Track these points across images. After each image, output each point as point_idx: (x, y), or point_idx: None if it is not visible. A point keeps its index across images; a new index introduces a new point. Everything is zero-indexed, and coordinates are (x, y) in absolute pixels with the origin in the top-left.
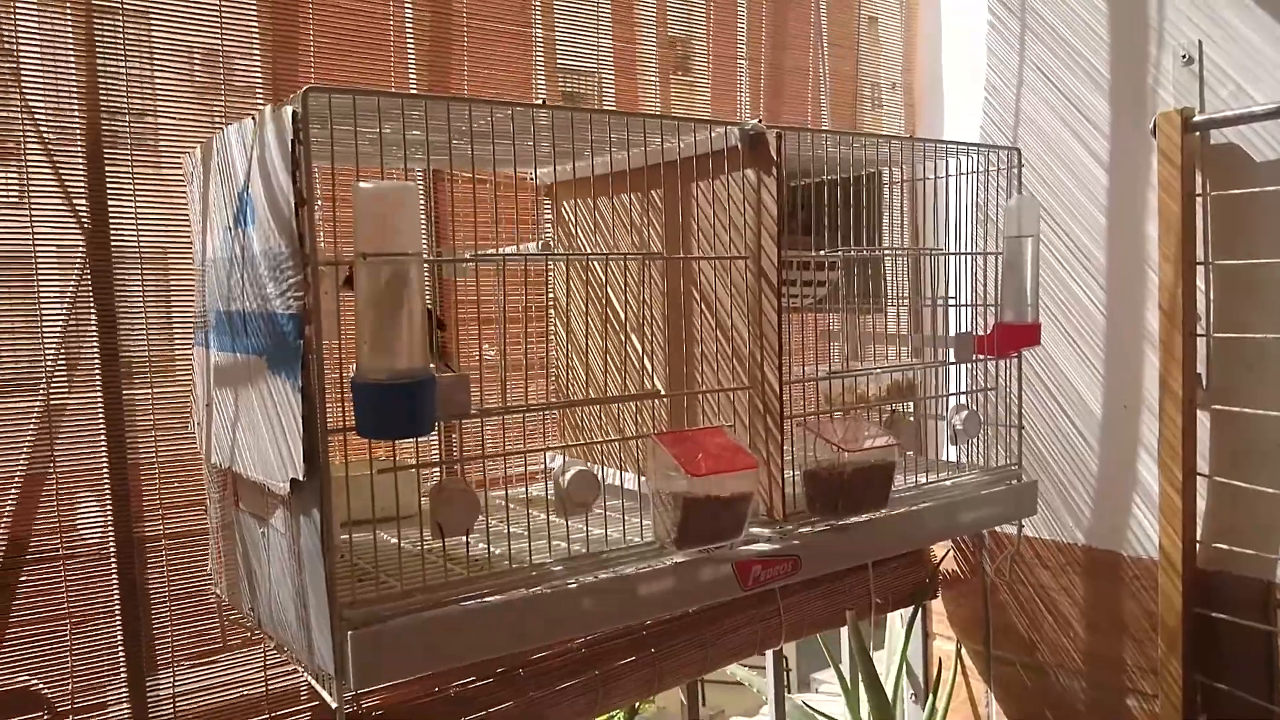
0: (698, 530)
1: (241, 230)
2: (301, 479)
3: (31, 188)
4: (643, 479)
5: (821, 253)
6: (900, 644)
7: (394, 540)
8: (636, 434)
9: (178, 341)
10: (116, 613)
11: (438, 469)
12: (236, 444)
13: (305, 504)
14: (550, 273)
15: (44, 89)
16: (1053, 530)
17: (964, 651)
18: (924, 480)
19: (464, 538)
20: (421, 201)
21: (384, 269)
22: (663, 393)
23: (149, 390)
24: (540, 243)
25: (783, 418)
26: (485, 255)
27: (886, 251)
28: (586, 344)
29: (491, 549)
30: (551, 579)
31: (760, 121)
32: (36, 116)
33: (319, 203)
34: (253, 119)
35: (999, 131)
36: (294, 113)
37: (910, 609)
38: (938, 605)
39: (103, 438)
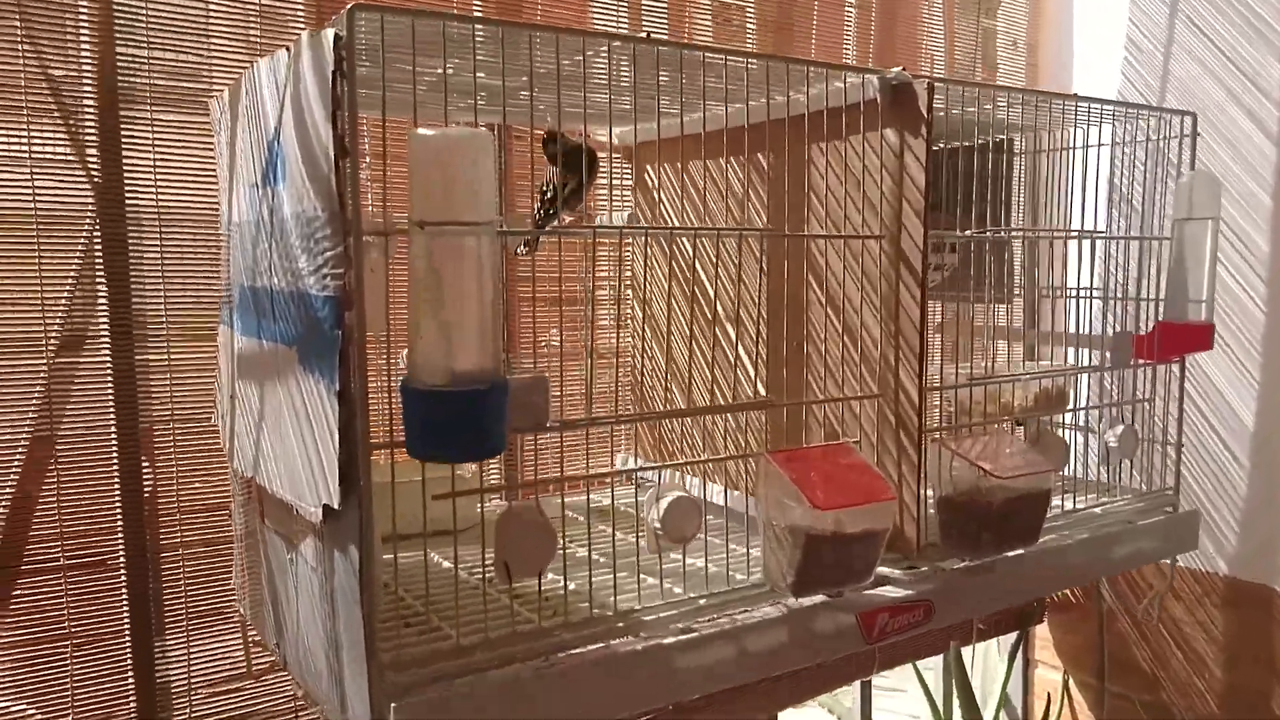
0: (819, 573)
1: (270, 189)
2: (336, 506)
3: (34, 136)
4: (750, 500)
5: (968, 232)
6: (1000, 674)
7: (447, 563)
8: (740, 451)
9: (201, 315)
10: (125, 632)
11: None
12: (261, 451)
13: (341, 537)
14: (629, 249)
15: (49, 19)
16: (1189, 557)
17: (1072, 683)
18: (1071, 505)
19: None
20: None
21: (447, 242)
22: (773, 400)
23: (167, 373)
24: (627, 214)
25: (921, 433)
26: (570, 228)
27: (1043, 233)
28: (668, 338)
29: (566, 583)
30: (643, 630)
31: (904, 70)
32: (42, 53)
33: (365, 158)
34: (287, 50)
35: (1140, 98)
36: (336, 36)
37: (1013, 635)
38: (1041, 630)
39: (112, 427)
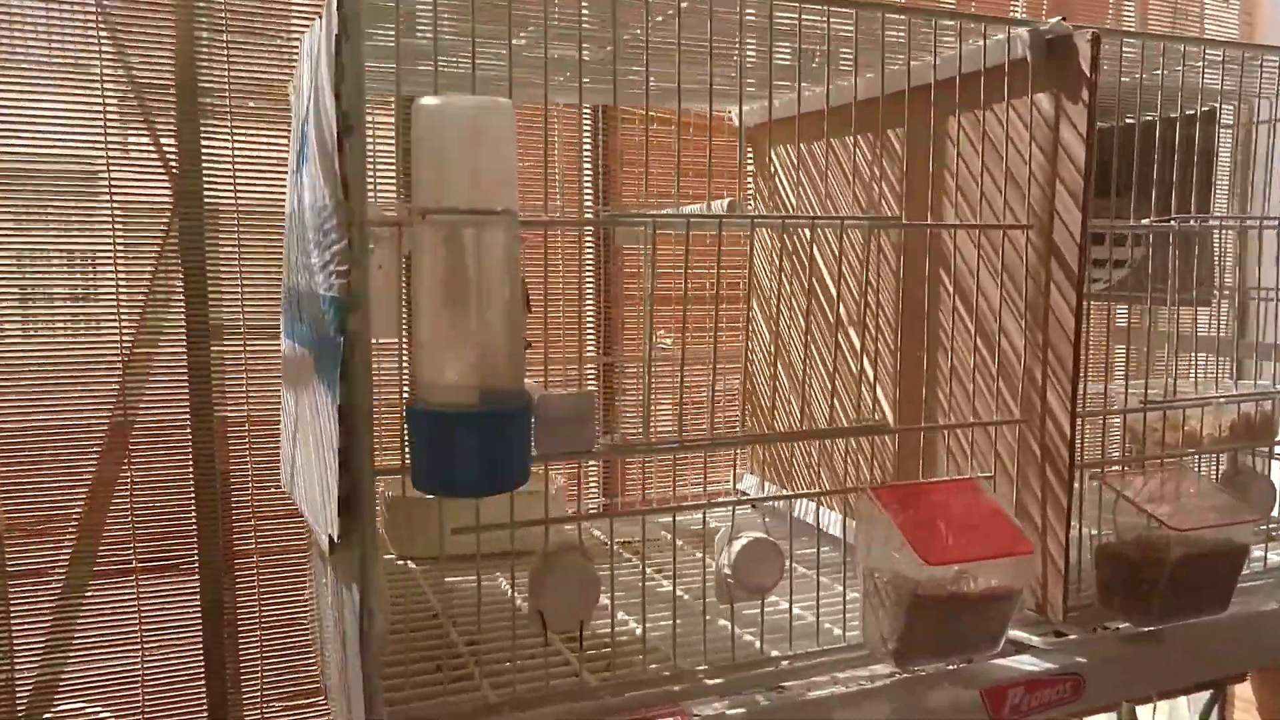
0: (928, 641)
1: (299, 176)
2: (335, 538)
3: (111, 124)
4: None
5: (1145, 221)
6: None
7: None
8: (845, 483)
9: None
10: (198, 638)
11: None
12: (295, 467)
13: (345, 575)
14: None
15: (127, 12)
16: None
17: None
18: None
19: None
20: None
21: (453, 234)
22: (891, 425)
23: (243, 374)
24: (727, 202)
25: (1072, 468)
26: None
27: (1251, 221)
28: (774, 343)
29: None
30: (703, 696)
31: (1063, 20)
32: (121, 46)
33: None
34: (320, 14)
35: None
36: None
37: (1207, 694)
38: (1243, 689)
39: (187, 427)
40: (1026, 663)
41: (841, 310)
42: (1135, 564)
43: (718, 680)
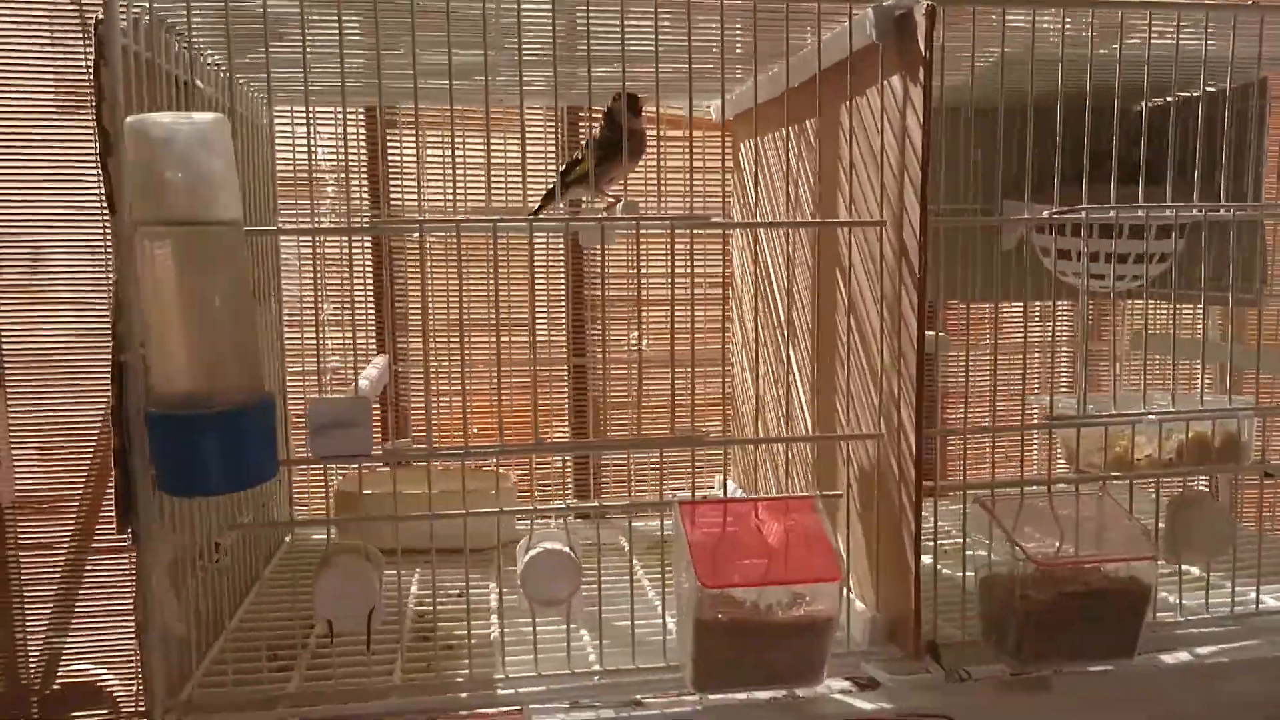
0: (722, 668)
1: None
2: (118, 533)
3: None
4: None
5: (1163, 208)
6: None
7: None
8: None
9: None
10: None
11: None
12: None
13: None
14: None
15: None
16: None
17: None
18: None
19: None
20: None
21: (151, 244)
22: (710, 436)
23: None
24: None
25: (919, 489)
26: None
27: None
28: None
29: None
30: (499, 705)
31: None
32: None
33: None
34: None
35: None
36: (96, 21)
37: None
38: None
39: None
40: (870, 699)
41: (774, 315)
42: (1004, 601)
43: (515, 691)
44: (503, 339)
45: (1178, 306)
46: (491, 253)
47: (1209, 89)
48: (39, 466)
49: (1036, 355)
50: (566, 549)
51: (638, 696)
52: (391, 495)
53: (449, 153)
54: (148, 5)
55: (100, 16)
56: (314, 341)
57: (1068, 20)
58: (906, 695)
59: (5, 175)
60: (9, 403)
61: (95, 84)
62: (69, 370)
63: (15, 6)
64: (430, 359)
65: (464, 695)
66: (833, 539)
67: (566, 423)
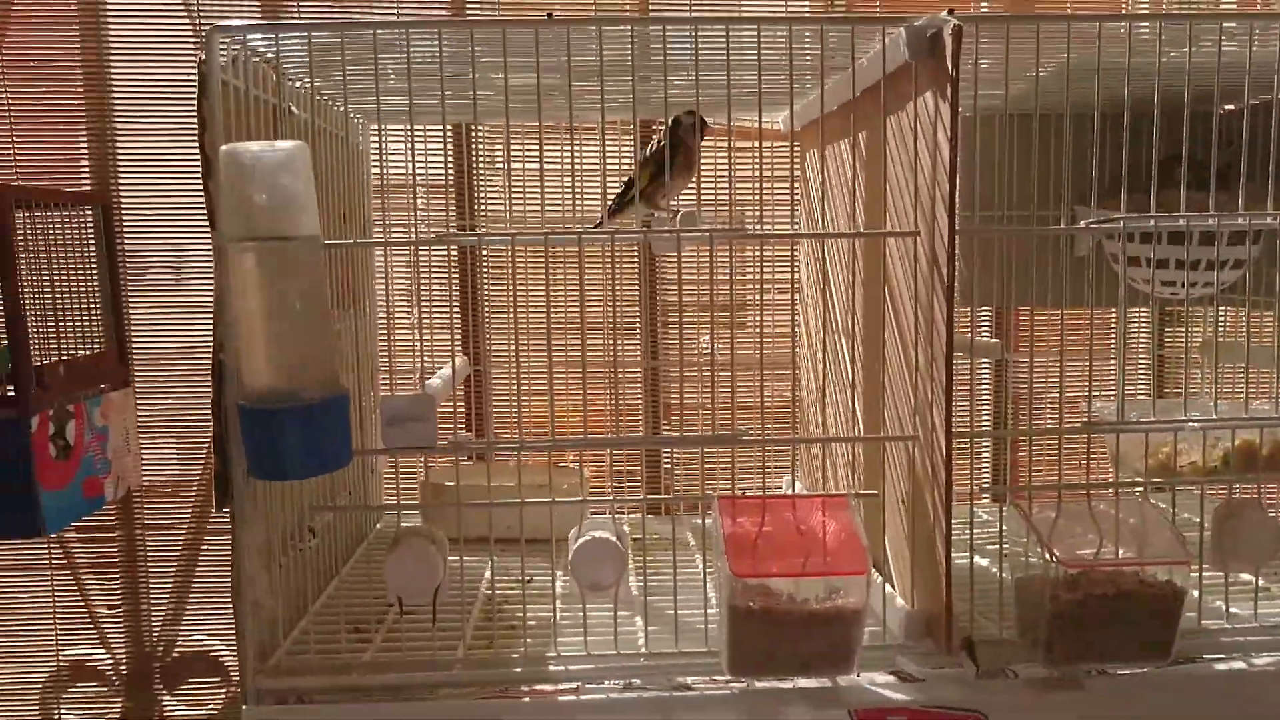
0: (755, 655)
1: None
2: (215, 510)
3: None
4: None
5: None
6: None
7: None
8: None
9: None
10: None
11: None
12: None
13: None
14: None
15: None
16: None
17: None
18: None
19: (431, 605)
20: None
21: (237, 257)
22: (754, 436)
23: None
24: (680, 213)
25: (949, 489)
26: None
27: None
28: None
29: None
30: (550, 682)
31: (952, 12)
32: None
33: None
34: None
35: None
36: (200, 61)
37: None
38: None
39: None
40: (906, 690)
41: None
42: (1038, 600)
43: (560, 669)
44: (574, 342)
45: (1253, 313)
46: (558, 261)
47: None
48: (164, 455)
49: (1113, 361)
50: (613, 537)
51: (685, 679)
52: (473, 486)
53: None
54: (244, 43)
55: (203, 56)
56: (408, 344)
57: (1143, 26)
58: (937, 689)
59: (156, 192)
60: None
61: (199, 115)
62: (192, 367)
63: (167, 43)
64: (510, 361)
65: (518, 670)
66: (862, 535)
67: (641, 422)
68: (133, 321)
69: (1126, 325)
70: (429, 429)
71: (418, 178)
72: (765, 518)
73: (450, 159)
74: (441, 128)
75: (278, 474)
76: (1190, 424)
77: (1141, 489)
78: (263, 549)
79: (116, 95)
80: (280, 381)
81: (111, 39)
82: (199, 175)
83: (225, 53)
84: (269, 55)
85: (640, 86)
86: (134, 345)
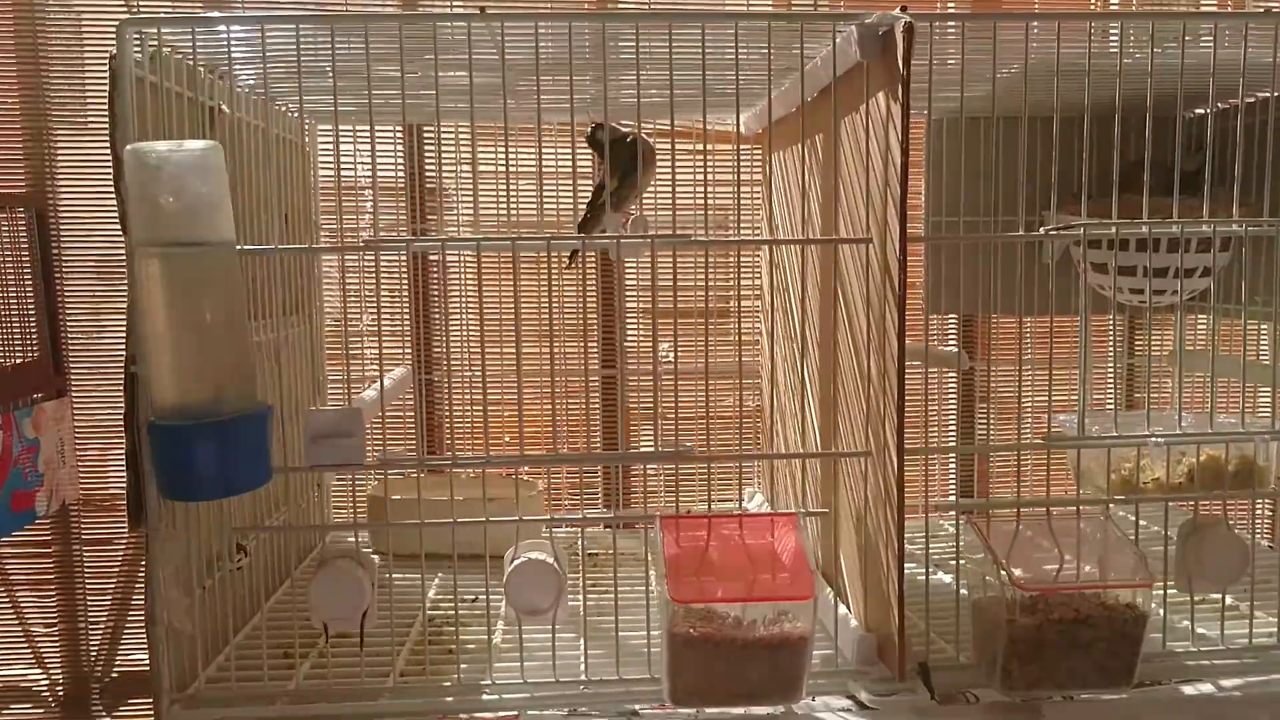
0: (695, 681)
1: None
2: (128, 530)
3: None
4: None
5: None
6: None
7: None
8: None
9: None
10: None
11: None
12: None
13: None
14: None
15: None
16: None
17: None
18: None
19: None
20: None
21: (140, 264)
22: (701, 452)
23: None
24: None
25: (901, 508)
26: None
27: None
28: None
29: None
30: (475, 711)
31: (904, 10)
32: None
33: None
34: None
35: None
36: (110, 56)
37: None
38: None
39: None
40: (859, 718)
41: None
42: (995, 623)
43: (492, 696)
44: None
45: (1222, 322)
46: (508, 266)
47: (1249, 100)
48: (99, 467)
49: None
50: (550, 558)
51: (633, 706)
52: (411, 501)
53: (471, 168)
54: (160, 37)
55: (113, 52)
56: (356, 351)
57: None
58: (891, 717)
59: (95, 194)
60: (74, 408)
61: (110, 112)
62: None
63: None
64: (459, 369)
65: (449, 699)
66: (810, 557)
67: (596, 432)
68: (71, 329)
69: (1090, 335)
70: (356, 445)
71: (363, 179)
72: (710, 537)
73: (400, 160)
74: (391, 128)
75: (187, 494)
76: (1154, 439)
77: (1104, 506)
78: (183, 569)
79: (53, 94)
80: (191, 396)
81: (49, 35)
82: None
83: (140, 48)
84: (187, 50)
85: (594, 88)
86: (71, 353)
